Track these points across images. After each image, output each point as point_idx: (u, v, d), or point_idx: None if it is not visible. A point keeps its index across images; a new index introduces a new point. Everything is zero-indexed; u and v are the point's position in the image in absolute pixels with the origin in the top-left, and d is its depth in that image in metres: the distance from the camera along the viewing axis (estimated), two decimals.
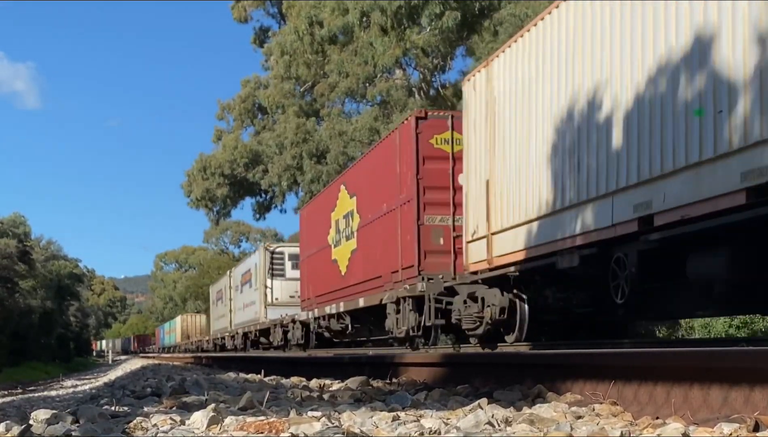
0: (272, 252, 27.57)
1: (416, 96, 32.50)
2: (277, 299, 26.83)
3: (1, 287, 39.37)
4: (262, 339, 27.90)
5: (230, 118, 44.02)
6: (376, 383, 6.60)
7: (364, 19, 27.07)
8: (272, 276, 27.17)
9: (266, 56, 39.20)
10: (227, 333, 35.84)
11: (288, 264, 26.90)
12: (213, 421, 3.84)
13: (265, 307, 26.89)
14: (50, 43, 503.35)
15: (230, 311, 35.52)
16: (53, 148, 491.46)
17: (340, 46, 29.65)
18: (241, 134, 42.85)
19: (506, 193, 10.47)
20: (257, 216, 45.52)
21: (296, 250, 25.55)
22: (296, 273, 25.02)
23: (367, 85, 31.62)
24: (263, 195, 43.63)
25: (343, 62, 29.60)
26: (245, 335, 30.72)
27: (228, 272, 37.51)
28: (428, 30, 25.87)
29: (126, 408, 5.07)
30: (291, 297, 25.75)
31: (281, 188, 38.55)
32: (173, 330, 65.00)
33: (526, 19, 23.64)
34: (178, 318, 63.21)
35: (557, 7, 9.21)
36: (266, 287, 27.08)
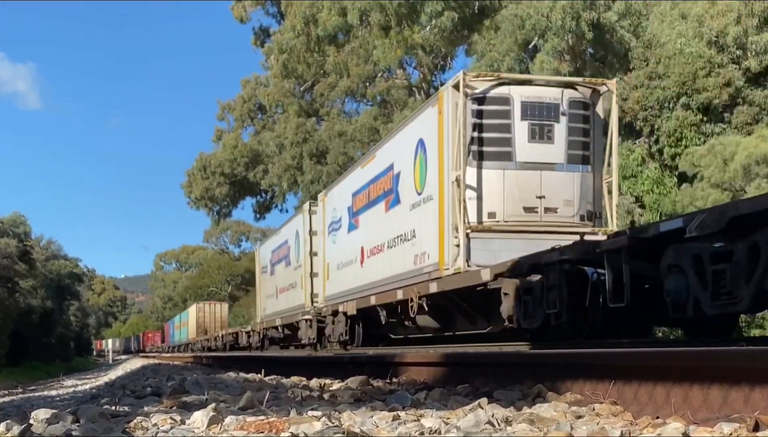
0: (479, 100, 11.45)
1: (416, 95, 32.54)
2: (493, 215, 11.34)
3: (1, 287, 39.37)
4: (428, 321, 12.81)
5: (231, 118, 44.13)
6: (377, 383, 6.60)
7: (363, 18, 27.10)
8: (479, 160, 11.41)
9: (266, 56, 39.27)
10: (303, 315, 19.88)
11: (521, 128, 11.30)
12: (213, 421, 3.84)
13: (467, 237, 11.27)
14: (51, 44, 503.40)
15: (309, 276, 19.83)
16: (54, 148, 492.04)
17: (337, 45, 29.70)
18: (241, 134, 42.96)
19: None
20: (257, 216, 45.65)
21: (548, 93, 11.38)
22: (549, 153, 11.25)
23: (367, 84, 31.66)
24: (263, 195, 43.71)
25: (342, 63, 29.64)
26: (361, 315, 15.58)
27: (305, 205, 21.04)
28: (428, 29, 25.90)
29: (126, 408, 5.07)
30: (531, 210, 11.30)
31: (281, 188, 38.59)
32: (185, 324, 55.06)
33: (528, 19, 23.65)
34: (192, 308, 51.85)
35: None
36: (466, 188, 11.34)
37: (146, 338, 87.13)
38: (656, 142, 24.01)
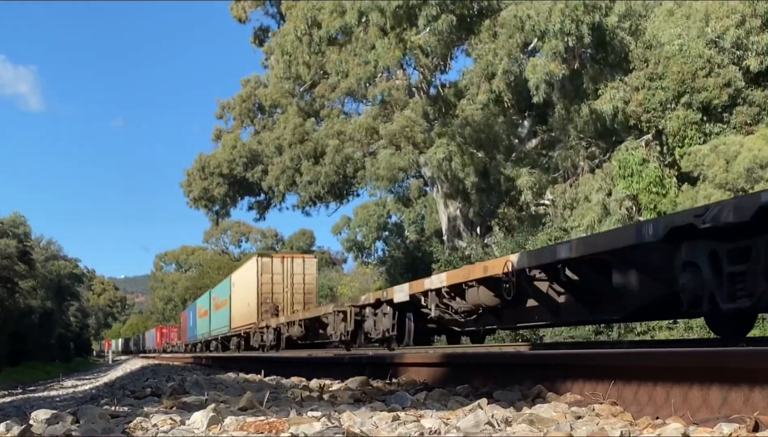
0: None
1: (417, 96, 32.52)
2: None
3: (1, 287, 39.36)
4: None
5: (230, 118, 44.11)
6: (376, 383, 6.60)
7: (363, 19, 27.08)
8: None
9: (266, 55, 39.23)
10: None
11: None
12: (213, 421, 3.84)
13: None
14: (51, 46, 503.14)
15: None
16: (54, 149, 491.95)
17: (338, 46, 29.67)
18: (240, 134, 42.94)
19: None
20: (257, 216, 45.62)
21: None
22: None
23: (367, 85, 31.64)
24: (263, 195, 43.69)
25: (342, 62, 29.62)
26: None
27: None
28: (426, 30, 25.89)
29: (126, 409, 5.07)
30: None
31: (280, 189, 38.60)
32: (223, 304, 33.94)
33: (527, 20, 23.62)
34: (246, 270, 29.46)
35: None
36: None
37: (160, 335, 70.96)
38: (663, 143, 24.00)
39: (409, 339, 12.74)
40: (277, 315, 25.54)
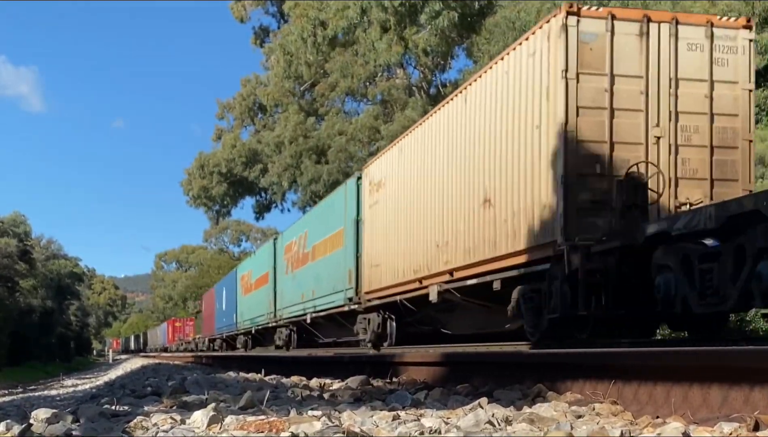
0: None
1: (417, 95, 32.53)
2: None
3: (1, 286, 39.37)
4: None
5: (230, 118, 44.14)
6: (377, 382, 6.60)
7: (365, 18, 27.05)
8: None
9: (266, 56, 39.26)
10: None
11: None
12: (213, 420, 3.84)
13: None
14: (52, 46, 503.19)
15: None
16: (55, 149, 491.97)
17: (341, 47, 29.65)
18: (240, 133, 42.97)
19: None
20: (257, 215, 45.64)
21: None
22: None
23: (368, 84, 31.64)
24: (263, 194, 43.72)
25: (347, 64, 29.59)
26: None
27: None
28: (428, 29, 25.87)
29: (126, 408, 5.07)
30: None
31: (281, 187, 38.59)
32: (324, 250, 18.05)
33: (517, 21, 23.53)
34: (514, 62, 10.09)
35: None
36: None
37: (172, 330, 61.89)
38: None
39: None
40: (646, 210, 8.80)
